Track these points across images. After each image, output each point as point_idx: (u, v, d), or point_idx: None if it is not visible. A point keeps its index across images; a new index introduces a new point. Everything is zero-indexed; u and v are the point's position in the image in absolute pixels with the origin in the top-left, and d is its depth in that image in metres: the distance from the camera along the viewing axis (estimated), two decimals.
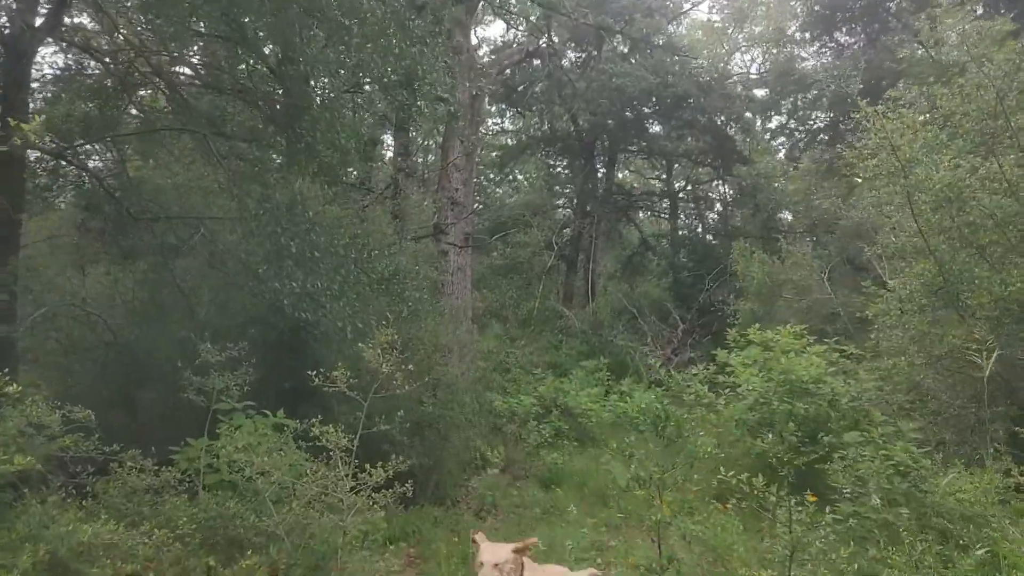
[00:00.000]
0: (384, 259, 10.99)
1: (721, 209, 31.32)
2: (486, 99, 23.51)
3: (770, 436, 10.34)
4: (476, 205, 25.63)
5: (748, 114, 26.60)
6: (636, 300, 26.85)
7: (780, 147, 29.66)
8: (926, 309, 9.81)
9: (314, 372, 6.76)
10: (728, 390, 11.81)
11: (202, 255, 11.95)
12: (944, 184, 9.05)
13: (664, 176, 31.57)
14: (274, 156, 10.77)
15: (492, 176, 29.85)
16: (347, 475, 6.26)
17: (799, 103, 28.06)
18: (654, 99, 26.22)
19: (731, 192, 28.20)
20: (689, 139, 27.25)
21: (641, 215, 33.88)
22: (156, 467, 6.76)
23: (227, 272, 11.36)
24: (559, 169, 28.85)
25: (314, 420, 6.54)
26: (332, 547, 5.95)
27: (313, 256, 9.01)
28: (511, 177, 30.14)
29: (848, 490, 7.74)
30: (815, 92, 25.48)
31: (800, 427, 10.39)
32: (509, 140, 29.32)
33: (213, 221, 11.46)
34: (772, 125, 29.25)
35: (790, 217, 22.47)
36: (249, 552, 5.63)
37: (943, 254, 9.29)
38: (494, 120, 32.28)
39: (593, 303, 24.76)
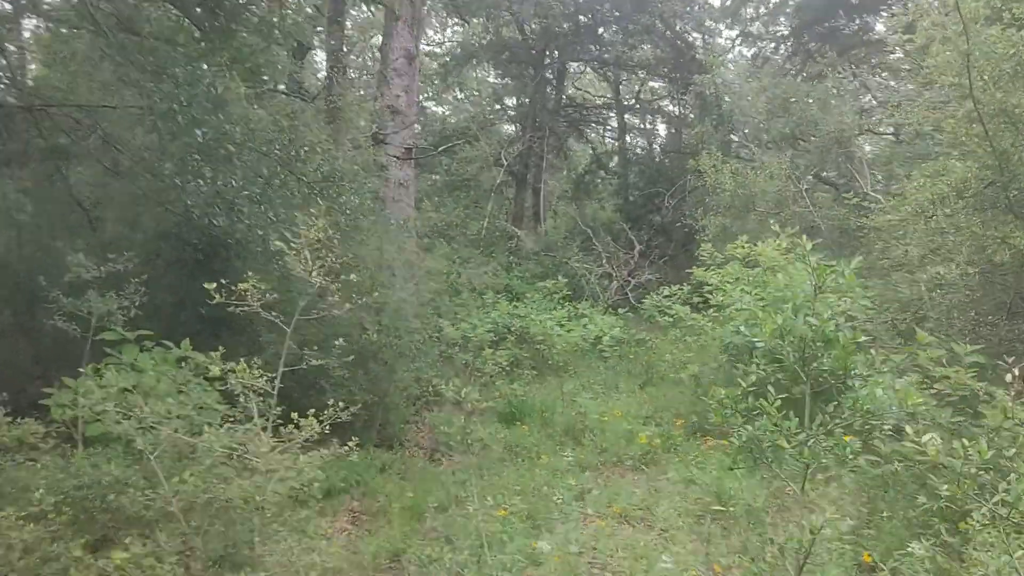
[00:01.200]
0: (316, 158, 9.22)
1: (675, 124, 29.72)
2: None
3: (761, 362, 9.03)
4: (419, 116, 23.71)
5: (709, 21, 24.84)
6: (589, 221, 25.40)
7: (741, 58, 28.08)
8: (974, 209, 8.41)
9: (216, 288, 5.06)
10: (714, 311, 10.44)
11: (103, 161, 10.06)
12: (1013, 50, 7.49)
13: (618, 88, 29.74)
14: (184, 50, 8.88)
15: (436, 85, 27.63)
16: (265, 427, 4.67)
17: (762, 10, 26.51)
18: (606, 4, 24.36)
19: (688, 106, 26.60)
20: (647, 47, 25.46)
21: (593, 133, 32.14)
22: (10, 416, 5.06)
23: (133, 180, 9.50)
24: (507, 80, 26.77)
25: (213, 353, 4.88)
26: (246, 528, 4.38)
27: (227, 150, 7.23)
28: (456, 89, 28.03)
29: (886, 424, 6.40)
30: None
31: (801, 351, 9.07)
32: (454, 49, 27.05)
33: (115, 123, 9.54)
34: (734, 33, 27.58)
35: (754, 130, 20.98)
36: (128, 539, 4.03)
37: (1003, 141, 7.79)
38: (436, 32, 30.04)
39: (544, 223, 23.20)
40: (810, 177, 16.11)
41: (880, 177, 15.38)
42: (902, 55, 12.33)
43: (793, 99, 16.84)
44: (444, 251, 17.03)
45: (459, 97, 27.08)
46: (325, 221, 5.30)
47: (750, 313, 9.37)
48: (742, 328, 9.34)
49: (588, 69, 30.17)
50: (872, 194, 14.09)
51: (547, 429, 10.54)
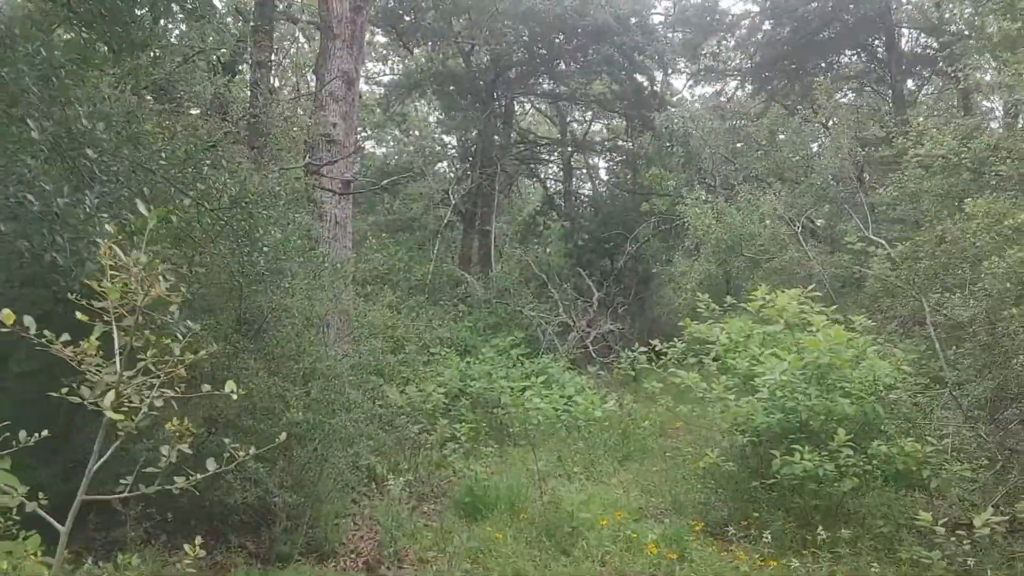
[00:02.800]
0: (221, 178, 7.06)
1: (630, 163, 28.23)
2: (369, 13, 19.39)
3: (804, 451, 7.10)
4: (358, 146, 21.69)
5: (670, 55, 23.46)
6: (542, 265, 23.51)
7: (699, 97, 26.82)
8: None
9: None
10: (725, 378, 8.49)
11: None
12: None
13: (570, 124, 28.19)
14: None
15: (376, 117, 25.58)
16: None
17: (721, 45, 25.32)
18: (562, 36, 22.77)
19: (647, 144, 25.13)
20: (604, 80, 23.98)
21: (546, 172, 30.47)
22: None
23: None
24: (453, 113, 24.93)
25: None
26: None
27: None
28: (397, 124, 26.12)
29: None
30: (743, 31, 22.72)
31: (847, 432, 7.23)
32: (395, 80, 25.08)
33: None
34: (695, 68, 26.30)
35: (724, 168, 19.40)
36: None
37: None
38: (375, 62, 28.08)
39: (495, 268, 21.21)
40: (804, 219, 14.42)
41: (879, 220, 13.79)
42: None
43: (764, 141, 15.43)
44: (387, 299, 14.93)
45: (399, 134, 25.10)
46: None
47: (785, 384, 7.47)
48: (784, 404, 7.44)
49: (534, 105, 28.54)
50: (875, 238, 12.47)
51: (520, 527, 8.41)
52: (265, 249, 7.40)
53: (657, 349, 11.31)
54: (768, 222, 14.61)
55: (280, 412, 7.03)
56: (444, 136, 25.87)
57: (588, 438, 12.16)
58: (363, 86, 28.33)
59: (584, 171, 32.35)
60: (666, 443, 12.52)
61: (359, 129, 21.48)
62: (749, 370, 8.12)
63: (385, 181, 20.60)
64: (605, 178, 32.33)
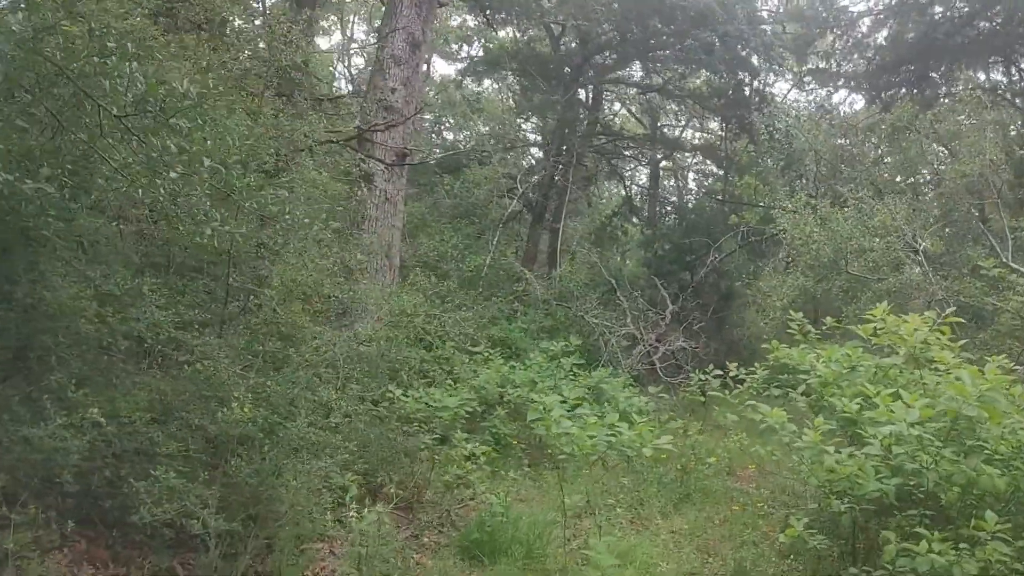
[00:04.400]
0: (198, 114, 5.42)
1: (722, 168, 26.00)
2: None
3: (932, 537, 5.06)
4: (419, 115, 20.03)
5: (780, 49, 21.14)
6: (614, 270, 21.53)
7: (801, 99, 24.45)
8: None
9: None
10: (822, 420, 6.43)
11: None
12: None
13: (661, 124, 26.13)
14: None
15: (449, 93, 23.93)
16: None
17: (836, 45, 22.87)
18: (659, 19, 20.75)
19: (744, 147, 22.96)
20: (703, 73, 21.90)
21: (627, 169, 28.43)
22: None
23: None
24: (533, 94, 23.08)
25: None
26: None
27: None
28: (471, 100, 24.48)
29: None
30: (863, 29, 20.34)
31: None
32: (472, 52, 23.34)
33: None
34: (803, 68, 23.92)
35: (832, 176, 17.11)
36: None
37: None
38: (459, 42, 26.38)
39: (560, 268, 19.33)
40: (923, 237, 12.11)
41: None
42: None
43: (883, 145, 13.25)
44: (423, 285, 13.21)
45: (475, 106, 23.47)
46: None
47: (908, 439, 5.41)
48: (904, 465, 5.39)
49: (621, 96, 26.50)
50: (1017, 267, 10.20)
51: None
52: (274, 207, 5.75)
53: (733, 374, 9.30)
54: (878, 240, 12.38)
55: (214, 408, 5.34)
56: (519, 120, 23.96)
57: (640, 471, 10.25)
58: (444, 68, 26.92)
59: (672, 175, 30.29)
60: (735, 487, 10.54)
61: (424, 97, 19.93)
62: (857, 414, 6.08)
63: (439, 154, 18.92)
64: (694, 187, 30.21)
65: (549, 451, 9.77)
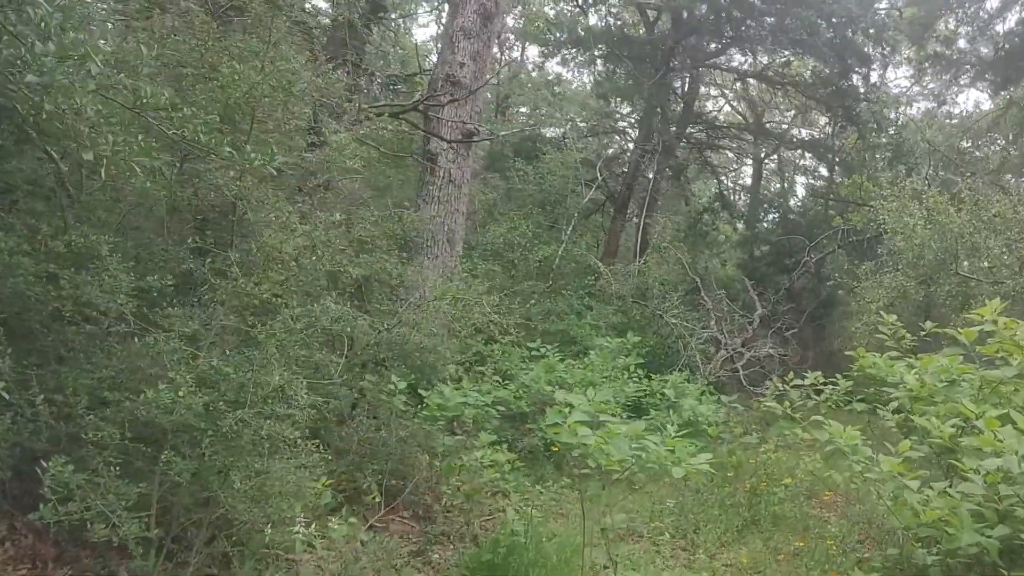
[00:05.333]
0: None
1: (827, 164, 24.13)
2: None
3: None
4: (488, 95, 19.08)
5: (893, 31, 19.25)
6: (700, 270, 20.10)
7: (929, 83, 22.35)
8: None
9: None
10: (910, 444, 5.12)
11: None
12: None
13: (760, 111, 24.42)
14: None
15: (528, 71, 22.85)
16: None
17: (959, 29, 20.79)
18: None
19: (853, 142, 21.12)
20: (807, 58, 20.22)
21: (720, 161, 26.84)
22: None
23: None
24: (619, 74, 21.76)
25: None
26: None
27: None
28: (552, 84, 23.33)
29: None
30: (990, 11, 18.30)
31: None
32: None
33: None
34: (921, 55, 21.87)
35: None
36: None
37: None
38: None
39: (640, 260, 18.05)
40: None
41: None
42: None
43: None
44: (479, 269, 12.19)
45: (555, 90, 22.27)
46: None
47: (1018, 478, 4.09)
48: (1015, 511, 4.08)
49: (718, 80, 24.88)
50: None
51: None
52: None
53: (813, 384, 7.97)
54: (995, 236, 10.70)
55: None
56: (603, 103, 22.63)
57: (701, 491, 9.02)
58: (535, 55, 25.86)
59: (774, 172, 28.52)
60: (813, 514, 9.18)
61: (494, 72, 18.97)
62: (952, 439, 4.77)
63: (507, 133, 17.83)
64: (800, 187, 28.34)
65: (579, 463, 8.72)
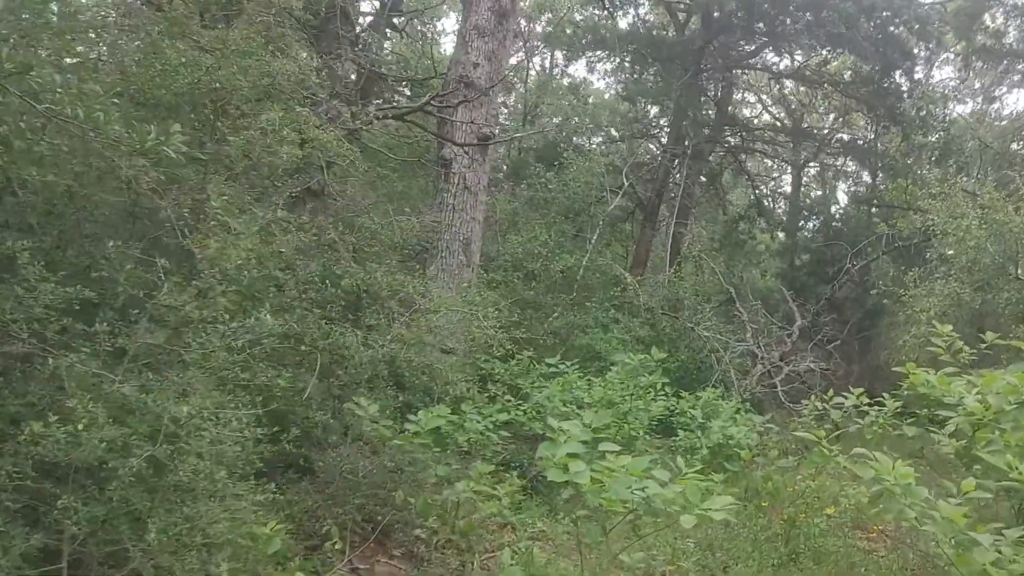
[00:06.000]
0: None
1: (870, 167, 22.98)
2: None
3: None
4: (507, 99, 18.33)
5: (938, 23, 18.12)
6: (735, 280, 19.09)
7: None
8: None
9: None
10: (972, 475, 4.20)
11: None
12: None
13: (799, 112, 23.36)
14: None
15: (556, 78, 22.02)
16: None
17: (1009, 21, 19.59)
18: None
19: (897, 144, 19.99)
20: (846, 54, 19.18)
21: (754, 165, 25.82)
22: None
23: None
24: (646, 76, 20.82)
25: None
26: None
27: None
28: (572, 87, 22.42)
29: None
30: None
31: None
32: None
33: None
34: (967, 48, 20.64)
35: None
36: None
37: None
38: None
39: (670, 270, 17.12)
40: None
41: None
42: None
43: None
44: (502, 279, 11.36)
45: (580, 93, 21.40)
46: None
47: None
48: None
49: (753, 83, 23.85)
50: None
51: None
52: None
53: (857, 404, 7.02)
54: None
55: None
56: (631, 105, 21.68)
57: (731, 523, 8.07)
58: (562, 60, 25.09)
59: (816, 176, 27.41)
60: (859, 547, 8.22)
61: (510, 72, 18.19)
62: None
63: (518, 135, 16.98)
64: (842, 193, 27.16)
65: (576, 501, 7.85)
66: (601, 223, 16.55)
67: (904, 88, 18.85)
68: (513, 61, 21.72)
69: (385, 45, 21.65)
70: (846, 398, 7.25)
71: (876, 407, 6.50)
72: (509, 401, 9.73)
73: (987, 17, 19.51)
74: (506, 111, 22.40)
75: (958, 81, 21.24)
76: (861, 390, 7.16)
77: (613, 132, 20.55)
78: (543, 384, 10.39)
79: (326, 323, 7.23)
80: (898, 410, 6.47)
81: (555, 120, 19.96)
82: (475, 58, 13.55)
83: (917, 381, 5.96)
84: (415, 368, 7.28)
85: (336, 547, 5.29)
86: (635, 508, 4.17)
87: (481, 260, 14.22)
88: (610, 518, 4.69)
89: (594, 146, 18.82)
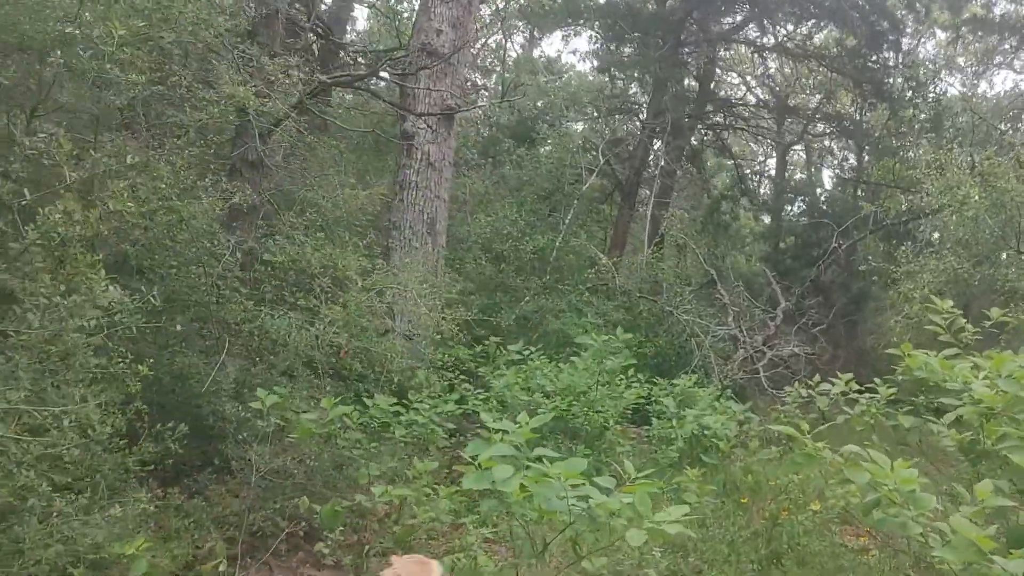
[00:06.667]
0: None
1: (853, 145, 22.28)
2: None
3: None
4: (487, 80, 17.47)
5: None
6: (717, 262, 18.32)
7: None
8: None
9: None
10: (985, 475, 3.43)
11: None
12: None
13: (780, 90, 22.54)
14: None
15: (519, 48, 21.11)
16: None
17: None
18: None
19: (884, 120, 19.23)
20: (831, 27, 18.44)
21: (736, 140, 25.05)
22: None
23: None
24: (622, 49, 19.85)
25: None
26: None
27: None
28: (549, 58, 21.55)
29: None
30: None
31: None
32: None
33: None
34: (956, 20, 19.84)
35: None
36: None
37: None
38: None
39: (649, 251, 16.31)
40: None
41: None
42: None
43: None
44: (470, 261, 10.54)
45: (554, 68, 20.50)
46: None
47: None
48: None
49: (736, 60, 23.02)
50: None
51: None
52: None
53: (845, 391, 6.26)
54: None
55: None
56: (606, 78, 20.72)
57: (707, 523, 7.30)
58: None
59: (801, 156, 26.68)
60: (847, 545, 7.47)
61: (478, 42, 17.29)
62: None
63: (481, 105, 16.14)
64: (827, 173, 26.41)
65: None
66: (576, 202, 15.70)
67: (891, 62, 18.10)
68: (492, 44, 20.95)
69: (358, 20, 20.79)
70: (833, 384, 6.51)
71: (867, 394, 5.73)
72: (468, 390, 8.98)
73: None
74: (487, 94, 21.55)
75: (946, 58, 20.41)
76: (849, 376, 6.42)
77: (589, 110, 19.62)
78: (504, 372, 9.62)
79: (253, 304, 6.45)
80: (892, 397, 5.70)
81: (525, 96, 19.03)
82: (438, 24, 12.69)
83: (914, 364, 5.20)
84: (356, 353, 6.47)
85: (220, 568, 4.44)
86: (573, 521, 3.38)
87: (448, 241, 13.45)
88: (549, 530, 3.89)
89: (569, 123, 17.89)
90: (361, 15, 20.69)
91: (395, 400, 6.78)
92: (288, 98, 7.85)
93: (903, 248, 11.38)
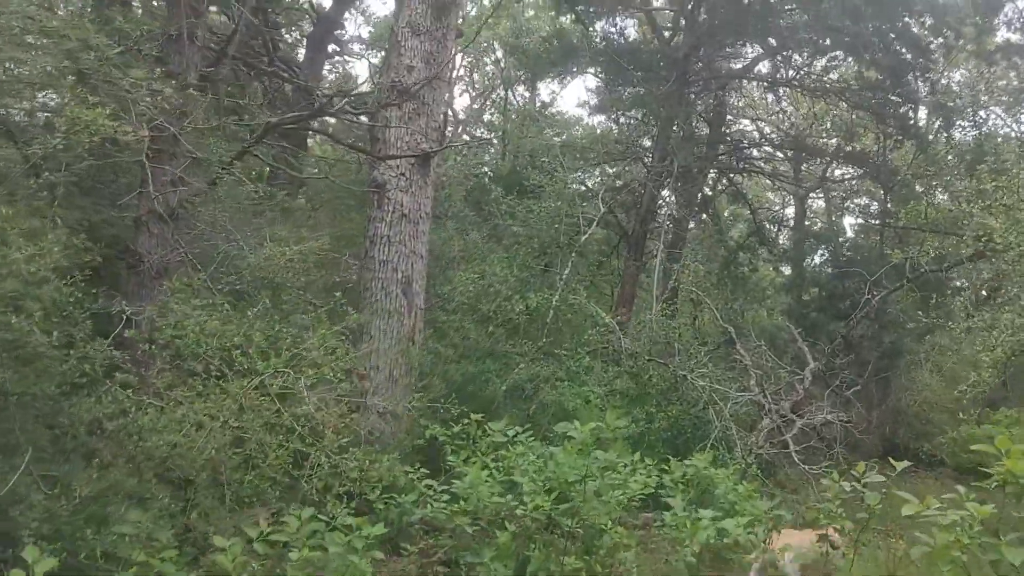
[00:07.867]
0: None
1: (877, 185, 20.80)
2: None
3: None
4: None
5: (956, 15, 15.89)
6: (734, 317, 16.73)
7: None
8: None
9: None
10: None
11: None
12: None
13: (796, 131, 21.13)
14: None
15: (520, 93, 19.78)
16: None
17: None
18: None
19: (912, 158, 17.77)
20: (847, 59, 17.04)
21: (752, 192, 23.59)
22: None
23: None
24: (622, 88, 18.40)
25: None
26: None
27: None
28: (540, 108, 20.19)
29: None
30: None
31: None
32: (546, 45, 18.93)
33: None
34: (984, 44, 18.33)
35: None
36: None
37: None
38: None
39: (658, 307, 14.67)
40: None
41: None
42: None
43: None
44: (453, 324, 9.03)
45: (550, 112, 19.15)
46: None
47: None
48: None
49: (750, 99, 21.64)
50: None
51: None
52: None
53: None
54: None
55: None
56: (606, 119, 19.30)
57: None
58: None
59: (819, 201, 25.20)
60: None
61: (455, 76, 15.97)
62: None
63: (452, 144, 14.66)
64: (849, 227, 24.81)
65: None
66: (574, 255, 14.14)
67: (919, 93, 16.59)
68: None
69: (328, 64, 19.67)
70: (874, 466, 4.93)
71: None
72: (429, 487, 7.36)
73: (1008, 8, 17.03)
74: (492, 149, 20.34)
75: (986, 81, 18.78)
76: (905, 464, 4.83)
77: (590, 155, 18.19)
78: (480, 458, 7.99)
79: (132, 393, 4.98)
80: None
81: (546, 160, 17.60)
82: (409, 60, 11.39)
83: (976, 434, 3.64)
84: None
85: None
86: None
87: (429, 302, 11.96)
88: None
89: (570, 171, 16.42)
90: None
91: (312, 514, 5.18)
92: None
93: (960, 299, 9.74)
